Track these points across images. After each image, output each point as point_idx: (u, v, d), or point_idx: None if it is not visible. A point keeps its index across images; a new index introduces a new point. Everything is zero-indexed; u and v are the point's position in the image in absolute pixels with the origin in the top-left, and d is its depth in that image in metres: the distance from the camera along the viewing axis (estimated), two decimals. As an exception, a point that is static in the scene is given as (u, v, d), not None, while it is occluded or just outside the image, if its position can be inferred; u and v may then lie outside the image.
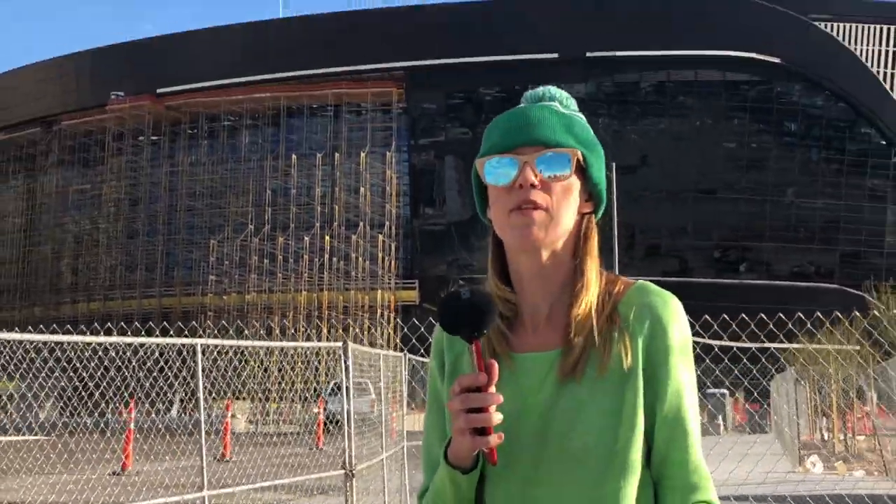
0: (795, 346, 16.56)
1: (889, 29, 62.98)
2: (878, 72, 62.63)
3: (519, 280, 2.03)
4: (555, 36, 58.95)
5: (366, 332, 54.12)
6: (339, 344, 10.85)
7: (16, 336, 8.29)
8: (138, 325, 14.21)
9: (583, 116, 2.07)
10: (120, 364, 14.15)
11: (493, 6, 63.76)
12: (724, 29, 60.54)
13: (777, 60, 61.36)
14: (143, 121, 66.30)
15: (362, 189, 62.43)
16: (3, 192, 74.83)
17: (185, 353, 11.08)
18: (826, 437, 30.60)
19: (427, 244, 62.77)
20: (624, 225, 43.39)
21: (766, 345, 11.04)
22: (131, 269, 65.68)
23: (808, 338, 14.38)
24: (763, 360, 12.06)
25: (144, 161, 67.62)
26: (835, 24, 62.31)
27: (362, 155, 62.85)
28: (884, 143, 63.08)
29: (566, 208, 1.97)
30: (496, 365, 1.80)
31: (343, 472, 10.40)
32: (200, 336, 12.32)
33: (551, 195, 1.95)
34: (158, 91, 66.06)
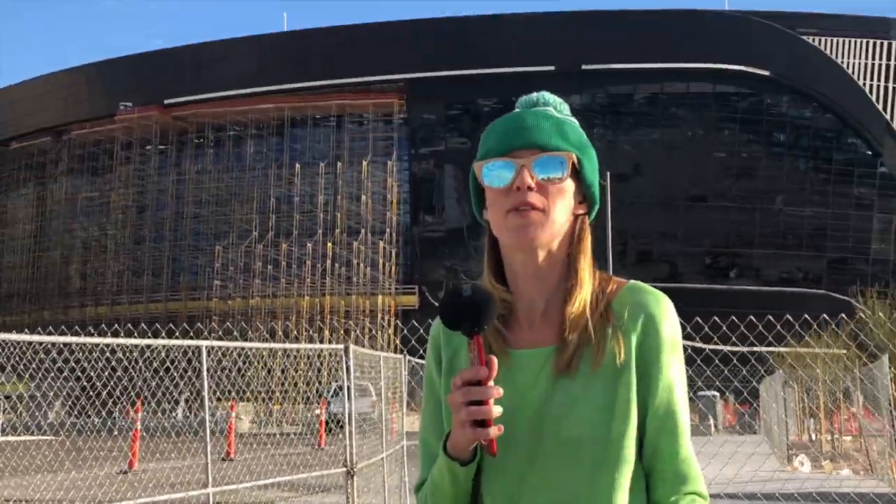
0: (785, 349, 16.58)
1: (875, 43, 63.09)
2: (864, 84, 62.73)
3: (514, 279, 2.03)
4: (551, 49, 59.06)
5: (367, 336, 54.12)
6: (341, 346, 10.84)
7: (25, 337, 8.28)
8: (145, 328, 14.19)
9: (576, 121, 2.08)
10: (127, 364, 14.15)
11: (491, 20, 63.92)
12: (714, 43, 60.69)
13: (766, 73, 61.49)
14: (150, 130, 66.40)
15: (364, 197, 62.49)
16: (15, 199, 74.88)
17: (190, 354, 11.06)
18: (814, 438, 30.60)
19: (427, 250, 62.81)
20: (617, 231, 43.37)
21: (756, 348, 11.06)
22: (138, 275, 65.71)
23: (797, 339, 14.38)
24: (752, 361, 12.07)
25: (152, 169, 67.69)
26: (822, 39, 62.42)
27: (364, 164, 62.92)
28: (870, 153, 63.20)
29: (561, 209, 1.98)
30: (496, 360, 1.81)
31: (344, 470, 10.38)
32: (205, 338, 12.30)
33: (547, 197, 1.96)
34: (166, 102, 66.17)
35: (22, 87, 75.79)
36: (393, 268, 61.04)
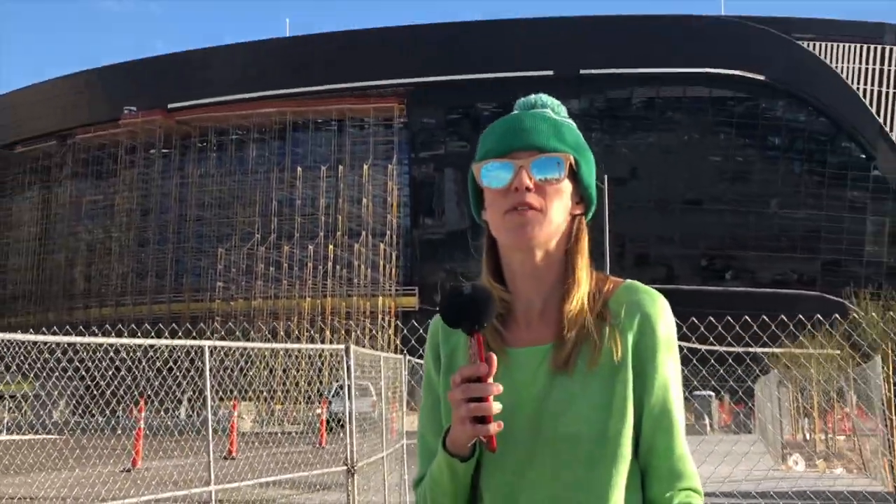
0: (779, 349, 16.59)
1: (868, 48, 63.19)
2: (858, 88, 62.80)
3: (512, 278, 2.04)
4: (550, 54, 59.14)
5: (367, 337, 54.13)
6: (342, 346, 10.85)
7: (30, 337, 8.28)
8: (148, 328, 14.22)
9: (573, 123, 2.08)
10: (131, 364, 14.16)
11: (491, 26, 64.03)
12: (711, 48, 60.78)
13: (762, 78, 61.56)
14: (154, 135, 66.43)
15: (364, 200, 62.51)
16: (20, 202, 74.91)
17: (193, 354, 11.07)
18: (808, 437, 30.58)
19: (426, 252, 62.86)
20: (614, 234, 43.41)
21: (752, 349, 11.06)
22: (142, 276, 65.72)
23: (791, 340, 14.40)
24: (748, 361, 12.09)
25: (155, 173, 67.71)
26: (817, 44, 62.50)
27: (365, 167, 62.94)
28: (863, 156, 63.27)
29: (559, 210, 1.99)
30: (495, 357, 1.81)
31: (345, 468, 10.39)
32: (208, 338, 12.30)
33: (545, 197, 1.96)
34: (169, 106, 66.17)
35: (27, 92, 75.86)
36: (393, 270, 61.07)
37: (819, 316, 11.26)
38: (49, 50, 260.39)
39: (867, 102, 62.73)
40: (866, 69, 63.19)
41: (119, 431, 25.13)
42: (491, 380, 1.79)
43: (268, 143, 65.65)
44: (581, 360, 1.93)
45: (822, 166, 63.01)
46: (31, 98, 73.98)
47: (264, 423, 41.43)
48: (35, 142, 73.12)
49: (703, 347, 10.54)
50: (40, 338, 8.50)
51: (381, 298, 59.56)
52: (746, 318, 9.99)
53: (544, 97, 2.11)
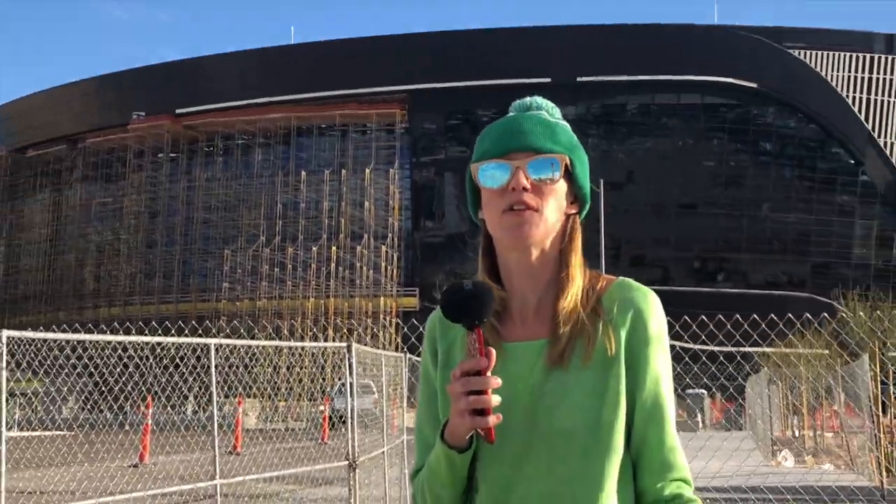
0: (770, 349, 16.59)
1: (858, 56, 63.20)
2: (847, 96, 62.81)
3: (508, 276, 2.04)
4: (548, 62, 59.13)
5: (369, 336, 54.11)
6: (344, 344, 10.85)
7: (40, 335, 8.28)
8: (155, 326, 14.22)
9: (567, 124, 2.09)
10: (139, 361, 14.17)
11: (490, 34, 64.04)
12: (704, 56, 60.79)
13: (754, 85, 61.57)
14: (162, 139, 66.45)
15: (367, 203, 62.50)
16: (31, 204, 74.91)
17: (199, 351, 11.08)
18: (797, 433, 30.59)
19: (427, 254, 62.85)
20: (611, 237, 43.44)
21: (743, 349, 11.05)
22: (150, 277, 65.73)
23: (781, 339, 14.41)
24: (738, 358, 12.08)
25: (163, 176, 67.71)
26: (808, 52, 62.51)
27: (367, 171, 62.92)
28: (852, 162, 63.29)
29: (554, 209, 1.99)
30: (494, 351, 1.81)
31: (346, 463, 10.39)
32: (214, 336, 12.31)
33: (541, 197, 1.97)
34: (177, 111, 66.20)
35: (38, 97, 75.87)
36: (394, 271, 61.08)
37: (808, 315, 11.26)
38: (59, 57, 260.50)
39: (856, 110, 62.75)
40: (855, 77, 63.21)
41: (127, 427, 25.08)
42: (489, 373, 1.79)
43: (273, 148, 65.66)
44: (575, 354, 1.93)
45: (813, 171, 63.05)
46: (43, 103, 73.99)
47: (268, 420, 41.39)
48: (46, 146, 73.14)
49: (696, 347, 10.55)
50: (50, 335, 8.50)
51: (382, 299, 59.56)
52: (738, 317, 10.00)
53: (539, 99, 2.12)
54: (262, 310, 59.01)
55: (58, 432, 21.86)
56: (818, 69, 62.42)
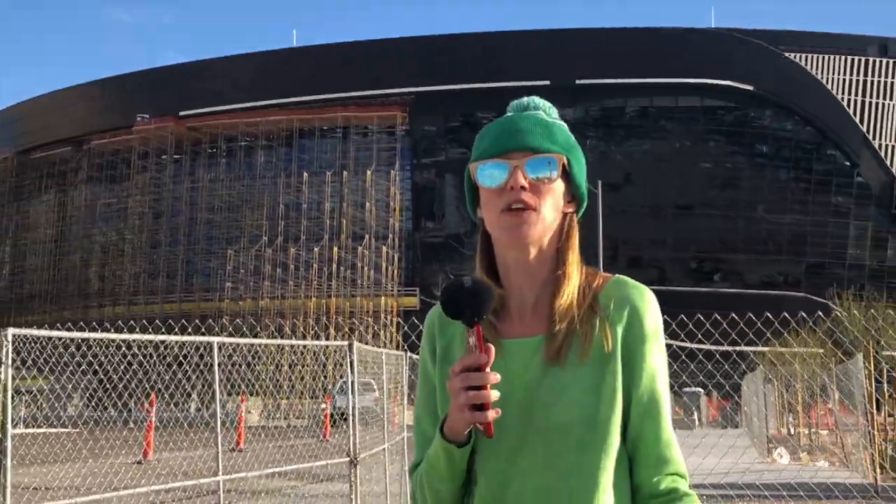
0: (766, 349, 16.59)
1: (853, 59, 63.22)
2: (842, 98, 62.83)
3: (506, 273, 2.05)
4: (547, 65, 59.11)
5: (370, 335, 54.11)
6: (345, 342, 10.86)
7: (45, 333, 8.30)
8: (159, 324, 14.28)
9: (564, 124, 2.09)
10: (142, 359, 14.17)
11: (490, 38, 64.01)
12: (702, 59, 60.78)
13: (750, 88, 61.57)
14: (166, 141, 66.43)
15: (368, 204, 62.49)
16: (37, 205, 74.91)
17: (202, 349, 11.07)
18: (792, 431, 30.57)
19: (427, 255, 62.85)
20: (608, 238, 43.50)
21: (740, 347, 11.06)
22: (154, 277, 65.72)
23: (776, 337, 14.43)
24: (734, 356, 12.09)
25: (167, 178, 67.70)
26: (804, 55, 62.52)
27: (368, 173, 62.92)
28: (847, 163, 63.30)
29: (552, 208, 2.00)
30: (493, 348, 1.81)
31: (348, 459, 10.40)
32: (217, 335, 12.33)
33: (538, 196, 1.97)
34: (181, 113, 66.21)
35: (43, 100, 75.91)
36: (395, 271, 61.08)
37: (803, 314, 11.27)
38: (64, 60, 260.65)
39: (851, 112, 62.77)
40: (851, 80, 63.23)
41: (131, 424, 25.16)
42: (489, 369, 1.80)
43: (275, 150, 65.64)
44: (572, 351, 1.94)
45: (808, 173, 63.05)
46: (48, 106, 74.03)
47: (271, 417, 41.38)
48: (51, 147, 73.15)
49: (693, 346, 10.55)
50: (54, 333, 8.52)
51: (383, 298, 59.57)
52: (734, 315, 10.01)
53: (537, 99, 2.11)
54: (264, 309, 59.00)
55: (63, 429, 21.86)
56: (814, 72, 62.44)
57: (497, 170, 1.99)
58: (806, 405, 28.13)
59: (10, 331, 7.03)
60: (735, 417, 35.88)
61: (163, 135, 66.11)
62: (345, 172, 63.60)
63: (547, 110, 2.10)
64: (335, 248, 60.97)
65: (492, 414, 1.79)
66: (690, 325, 10.00)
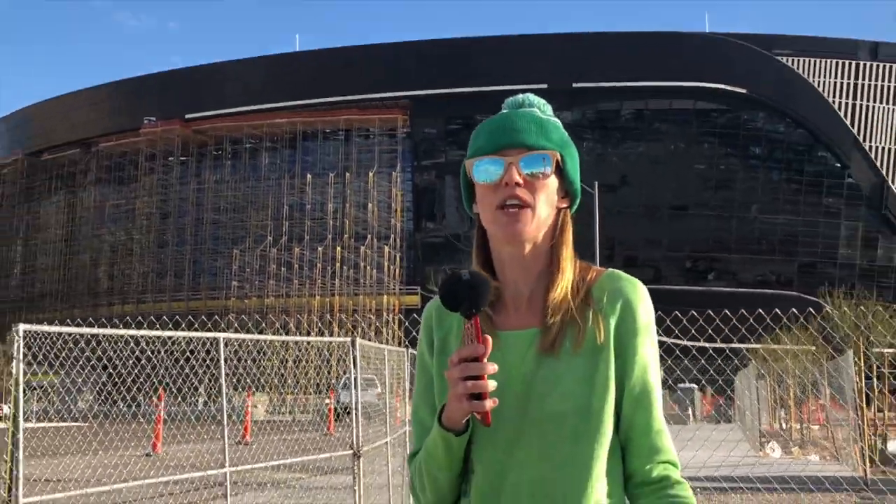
0: (759, 345, 16.62)
1: (844, 63, 63.21)
2: (834, 101, 62.82)
3: (502, 268, 2.04)
4: (544, 68, 59.07)
5: (373, 333, 54.17)
6: (348, 339, 10.87)
7: (55, 329, 8.31)
8: (166, 320, 14.34)
9: (558, 121, 2.09)
10: (150, 354, 14.20)
11: (489, 42, 64.00)
12: (696, 63, 60.74)
13: (743, 91, 61.53)
14: (172, 143, 66.44)
15: (370, 205, 62.51)
16: (47, 206, 74.92)
17: (209, 345, 11.10)
18: (784, 426, 30.55)
19: (428, 254, 62.84)
20: (605, 238, 43.45)
21: (734, 345, 11.07)
22: (161, 276, 65.75)
23: (769, 334, 14.44)
24: (727, 352, 12.10)
25: (174, 179, 67.71)
26: (796, 59, 62.51)
27: (370, 175, 62.93)
28: (838, 165, 63.30)
29: (546, 204, 1.99)
30: (490, 339, 1.81)
31: (351, 452, 10.41)
32: (223, 331, 12.32)
33: (533, 192, 1.97)
34: (187, 116, 66.21)
35: (52, 103, 75.89)
36: (397, 270, 61.09)
37: (794, 310, 11.28)
38: (73, 64, 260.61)
39: (842, 115, 62.77)
40: (841, 83, 63.23)
41: (140, 418, 25.15)
42: (486, 360, 1.79)
43: (279, 152, 65.67)
44: (566, 342, 1.93)
45: (800, 174, 63.04)
46: (57, 109, 74.02)
47: (276, 412, 41.38)
48: (61, 150, 73.18)
49: (687, 342, 10.56)
50: (64, 329, 8.53)
51: (385, 297, 59.60)
52: (726, 312, 10.02)
53: (531, 97, 2.11)
54: (269, 307, 59.02)
55: (74, 423, 21.91)
56: (806, 76, 62.44)
57: (492, 166, 1.98)
58: (798, 400, 28.11)
59: (22, 327, 7.05)
60: (729, 412, 35.84)
61: (169, 137, 66.11)
62: (347, 174, 63.61)
63: (541, 107, 2.09)
64: (338, 248, 60.99)
65: (489, 403, 1.79)
66: (685, 321, 10.02)
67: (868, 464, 15.72)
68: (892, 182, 63.36)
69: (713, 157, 63.26)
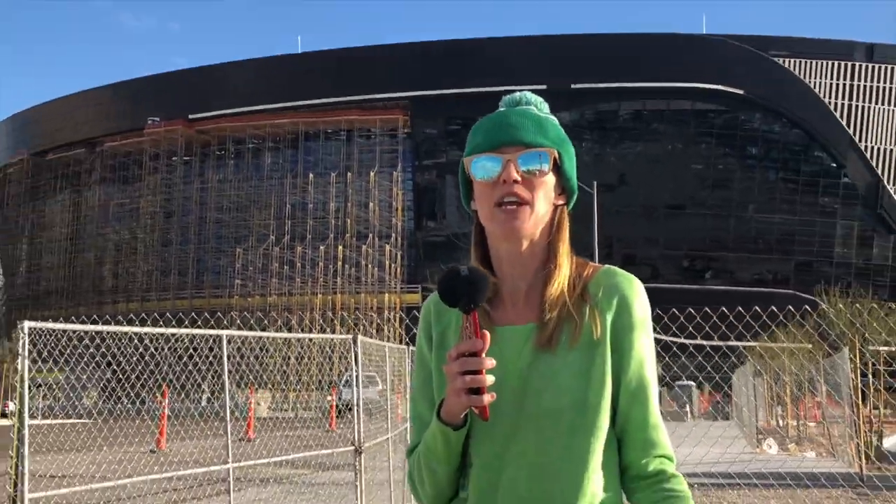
0: (756, 343, 16.62)
1: (839, 64, 63.18)
2: (829, 102, 62.79)
3: (500, 264, 2.04)
4: (543, 69, 59.04)
5: (374, 330, 54.18)
6: (350, 336, 10.87)
7: (60, 326, 8.31)
8: (170, 317, 14.34)
9: (555, 119, 2.08)
10: (154, 352, 14.19)
11: (489, 43, 64.00)
12: (693, 64, 60.73)
13: (740, 92, 61.52)
14: (176, 143, 66.45)
15: (371, 204, 62.52)
16: (52, 205, 74.96)
17: (212, 342, 11.10)
18: (781, 423, 30.56)
19: (429, 253, 62.80)
20: (603, 237, 43.45)
21: (732, 342, 11.06)
22: (165, 274, 65.79)
23: (764, 330, 14.44)
24: (724, 349, 12.10)
25: (177, 178, 67.72)
26: (792, 60, 62.50)
27: (371, 174, 62.95)
28: (834, 165, 63.29)
29: (543, 201, 1.99)
30: (488, 334, 1.81)
31: (353, 448, 10.41)
32: (226, 329, 12.33)
33: (531, 189, 1.96)
34: (190, 117, 66.20)
35: (57, 104, 75.91)
36: (398, 269, 61.12)
37: (791, 307, 11.28)
38: (77, 65, 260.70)
39: (838, 115, 62.75)
40: (837, 84, 63.21)
41: (145, 415, 25.16)
42: (484, 355, 1.79)
43: (282, 152, 65.69)
44: (563, 337, 1.93)
45: (796, 174, 63.03)
46: (62, 109, 74.04)
47: (279, 409, 41.41)
48: (66, 149, 73.20)
49: (685, 340, 10.56)
50: (69, 326, 8.52)
51: (386, 295, 59.63)
52: (723, 309, 10.02)
53: (528, 94, 2.11)
54: (272, 305, 59.06)
55: (79, 420, 21.90)
56: (802, 77, 62.41)
57: (490, 163, 1.98)
58: (794, 398, 28.11)
59: (27, 324, 7.05)
60: (726, 409, 35.83)
61: (173, 137, 66.13)
62: (349, 174, 63.63)
63: (538, 105, 2.09)
64: (340, 247, 61.02)
65: (487, 398, 1.78)
66: (682, 319, 10.02)
67: (863, 460, 15.74)
68: (888, 182, 63.37)
69: (710, 158, 63.25)
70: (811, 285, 43.46)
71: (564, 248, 2.04)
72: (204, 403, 30.53)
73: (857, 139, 62.81)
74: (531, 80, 57.55)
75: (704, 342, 10.76)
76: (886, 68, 64.00)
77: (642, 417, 1.96)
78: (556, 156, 2.02)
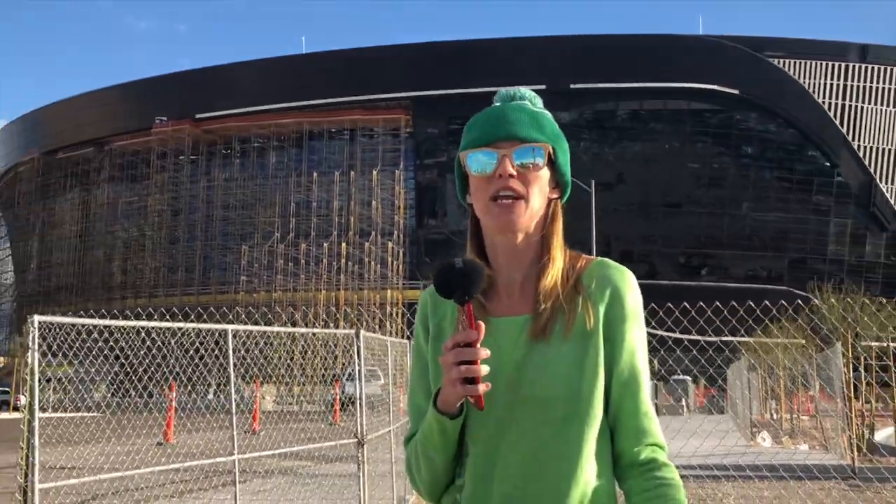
0: (751, 339, 16.65)
1: (833, 65, 63.16)
2: (823, 102, 62.78)
3: (495, 256, 2.03)
4: (542, 70, 59.02)
5: (377, 326, 54.20)
6: (353, 330, 10.88)
7: (69, 320, 8.33)
8: (176, 311, 14.40)
9: (549, 113, 2.07)
10: (162, 346, 14.20)
11: (489, 44, 63.98)
12: (690, 64, 60.72)
13: (736, 92, 61.51)
14: (183, 142, 66.51)
15: (374, 202, 62.55)
16: (62, 203, 75.03)
17: (218, 336, 11.12)
18: (775, 416, 30.56)
19: (430, 250, 62.84)
20: (601, 234, 43.43)
21: (727, 338, 11.07)
22: (173, 271, 65.86)
23: (758, 324, 14.47)
24: (719, 343, 12.11)
25: (184, 177, 67.76)
26: (787, 61, 62.47)
27: (374, 173, 62.98)
28: (828, 164, 63.27)
29: (538, 195, 1.98)
30: (483, 325, 1.80)
31: (355, 440, 10.43)
32: (231, 323, 12.35)
33: (526, 184, 1.96)
34: (197, 116, 66.26)
35: (66, 104, 75.95)
36: (400, 266, 61.15)
37: (784, 302, 11.28)
38: (86, 66, 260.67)
39: (832, 115, 62.74)
40: (831, 84, 63.19)
41: (153, 409, 25.18)
42: (479, 345, 1.79)
43: (286, 151, 65.73)
44: (557, 328, 1.93)
45: (791, 173, 63.04)
46: (71, 109, 74.08)
47: (284, 403, 41.37)
48: (75, 149, 73.26)
49: (682, 336, 10.56)
50: (78, 320, 8.54)
51: (389, 291, 59.67)
52: (717, 304, 10.02)
53: (522, 90, 2.10)
54: (277, 301, 59.09)
55: (88, 413, 21.93)
56: (797, 77, 62.40)
57: (486, 157, 1.97)
58: (788, 391, 28.12)
59: (37, 318, 7.07)
60: (721, 403, 35.85)
61: (180, 136, 66.19)
62: (352, 172, 63.67)
63: (532, 100, 2.08)
64: (343, 244, 61.07)
65: (482, 387, 1.79)
66: (677, 314, 10.03)
67: (856, 452, 15.74)
68: (880, 180, 63.37)
69: (706, 157, 63.25)
70: (804, 282, 43.45)
71: (558, 240, 2.04)
72: (210, 397, 30.54)
73: (850, 138, 62.82)
74: (531, 80, 57.50)
75: (699, 337, 10.76)
76: (880, 69, 64.00)
77: (634, 406, 1.95)
78: (551, 150, 2.01)
